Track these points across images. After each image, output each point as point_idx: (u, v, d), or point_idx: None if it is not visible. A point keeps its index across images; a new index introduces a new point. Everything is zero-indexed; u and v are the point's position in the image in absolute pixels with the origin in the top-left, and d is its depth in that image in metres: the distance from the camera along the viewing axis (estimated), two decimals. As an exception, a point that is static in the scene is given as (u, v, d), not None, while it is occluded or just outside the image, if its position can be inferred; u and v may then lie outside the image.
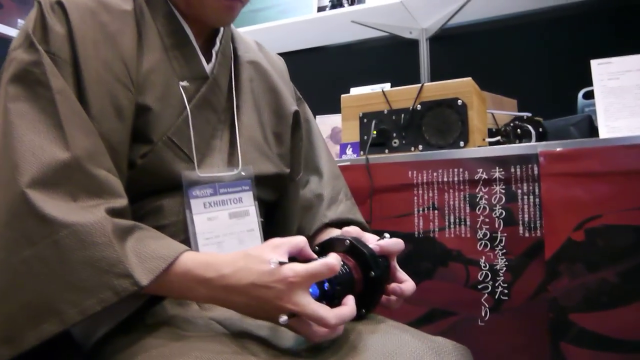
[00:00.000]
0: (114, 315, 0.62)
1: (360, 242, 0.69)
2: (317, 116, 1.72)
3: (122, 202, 0.63)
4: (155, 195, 0.73)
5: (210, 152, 0.79)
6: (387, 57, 2.17)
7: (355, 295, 0.66)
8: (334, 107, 1.65)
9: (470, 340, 1.14)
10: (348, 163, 1.34)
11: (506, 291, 1.13)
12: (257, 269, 0.59)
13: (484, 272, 1.16)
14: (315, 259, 0.61)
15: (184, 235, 0.73)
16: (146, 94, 0.70)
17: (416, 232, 1.26)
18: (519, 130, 1.28)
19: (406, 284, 0.73)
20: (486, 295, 1.16)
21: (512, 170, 1.15)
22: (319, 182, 0.95)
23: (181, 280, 0.60)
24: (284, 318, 0.58)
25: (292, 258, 0.62)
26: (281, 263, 0.59)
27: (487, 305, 1.15)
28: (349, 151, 1.41)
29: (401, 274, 0.74)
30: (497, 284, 1.14)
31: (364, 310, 0.69)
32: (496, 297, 1.14)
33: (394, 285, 0.72)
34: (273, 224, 0.90)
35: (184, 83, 0.75)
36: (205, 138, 0.77)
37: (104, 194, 0.61)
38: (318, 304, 0.58)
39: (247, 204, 0.80)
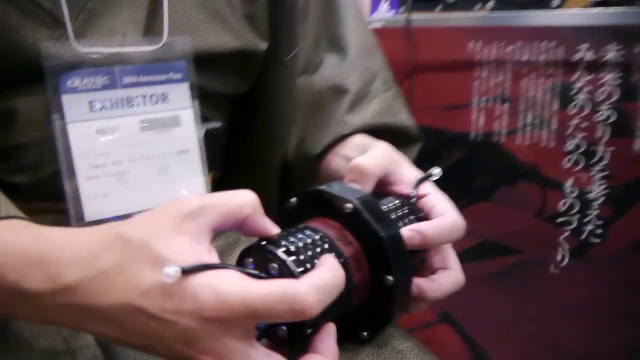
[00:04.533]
0: None
1: (376, 209, 0.36)
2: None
3: None
4: (1, 88, 0.42)
5: (107, 9, 0.44)
6: None
7: (352, 309, 0.35)
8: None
9: (535, 292, 0.84)
10: (381, 24, 1.05)
11: (599, 231, 0.86)
12: (136, 280, 0.29)
13: (570, 200, 0.87)
14: (274, 239, 0.33)
15: (53, 164, 0.41)
16: None
17: (473, 133, 0.94)
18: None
19: (443, 276, 0.40)
20: (568, 233, 0.87)
21: (637, 49, 0.80)
22: (339, 64, 0.59)
23: None
24: None
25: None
26: (187, 271, 0.28)
27: (566, 247, 0.85)
28: (383, 5, 1.06)
29: (443, 256, 0.41)
30: (586, 220, 0.86)
31: (365, 334, 0.37)
32: (583, 237, 0.87)
33: (420, 282, 0.39)
34: (240, 140, 0.58)
35: None
36: None
37: None
38: (266, 353, 0.29)
39: (178, 104, 0.46)
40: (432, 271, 0.41)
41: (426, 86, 0.97)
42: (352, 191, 0.37)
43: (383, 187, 0.45)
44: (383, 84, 0.59)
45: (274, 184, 0.58)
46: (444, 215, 0.41)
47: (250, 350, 0.29)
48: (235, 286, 0.28)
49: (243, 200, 0.32)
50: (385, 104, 0.58)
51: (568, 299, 0.84)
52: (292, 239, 0.33)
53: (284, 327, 0.32)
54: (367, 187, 0.41)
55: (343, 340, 0.38)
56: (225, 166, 0.60)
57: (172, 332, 0.28)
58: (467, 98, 0.94)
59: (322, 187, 0.38)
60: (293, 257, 0.31)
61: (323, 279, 0.29)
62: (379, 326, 0.37)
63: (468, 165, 0.93)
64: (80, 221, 0.42)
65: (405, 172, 0.44)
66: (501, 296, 0.87)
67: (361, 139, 0.55)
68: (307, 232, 0.35)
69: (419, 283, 0.38)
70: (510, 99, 0.90)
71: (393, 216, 0.40)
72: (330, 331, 0.32)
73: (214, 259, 0.30)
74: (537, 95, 0.87)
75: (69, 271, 0.29)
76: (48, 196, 0.42)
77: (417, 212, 0.43)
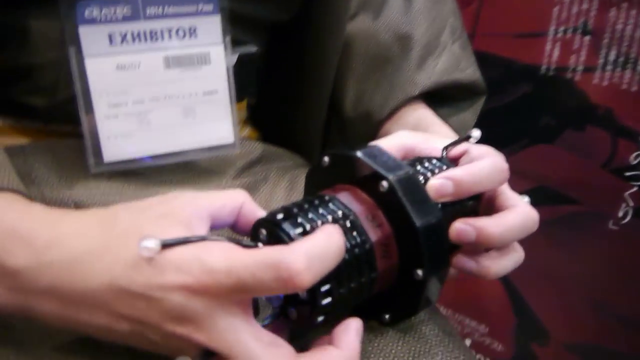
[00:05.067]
0: None
1: (417, 190, 0.31)
2: None
3: None
4: (15, 6, 0.38)
5: None
6: None
7: (374, 295, 0.32)
8: None
9: (588, 247, 0.78)
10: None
11: (673, 190, 0.73)
12: (122, 257, 0.27)
13: (644, 153, 0.74)
14: (291, 213, 0.30)
15: (71, 88, 0.38)
16: None
17: (544, 67, 0.81)
18: None
19: (508, 212, 0.35)
20: (635, 189, 0.75)
21: None
22: (405, 10, 0.51)
23: None
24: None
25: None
26: (167, 245, 0.26)
27: (631, 204, 0.76)
28: None
29: (502, 198, 0.36)
30: (660, 177, 0.73)
31: (387, 317, 0.34)
32: (652, 195, 0.75)
33: (463, 261, 0.35)
34: (284, 73, 0.53)
35: None
36: None
37: None
38: (260, 334, 0.27)
39: (208, 40, 0.41)
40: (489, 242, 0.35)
41: (497, 8, 0.84)
42: (392, 164, 0.32)
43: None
44: (451, 33, 0.51)
45: (316, 129, 0.54)
46: (481, 159, 0.36)
47: (244, 329, 0.26)
48: (220, 255, 0.25)
49: (234, 192, 0.30)
50: (454, 57, 0.51)
51: (624, 258, 0.77)
52: (310, 215, 0.30)
53: (294, 309, 0.30)
54: None
55: (366, 317, 0.35)
56: (265, 93, 0.56)
57: (160, 310, 0.26)
58: (543, 26, 0.82)
59: (360, 152, 0.32)
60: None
61: (315, 245, 0.26)
62: (402, 315, 0.34)
63: (534, 102, 0.83)
64: (99, 161, 0.40)
65: (435, 144, 0.38)
66: (551, 246, 0.82)
67: (423, 113, 0.49)
68: (331, 206, 0.31)
69: (475, 223, 0.33)
70: (593, 32, 0.77)
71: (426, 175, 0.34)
72: (353, 326, 0.28)
73: None
74: (626, 30, 0.75)
75: (57, 249, 0.27)
76: (68, 119, 0.40)
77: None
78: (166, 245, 0.25)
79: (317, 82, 0.52)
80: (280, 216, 0.29)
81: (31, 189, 0.38)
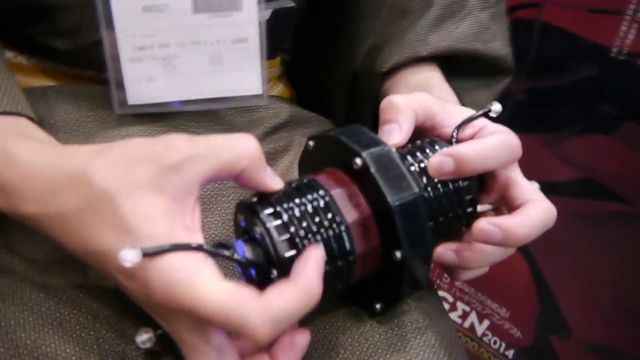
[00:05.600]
0: None
1: (393, 167, 0.29)
2: None
3: None
4: None
5: None
6: None
7: (362, 278, 0.31)
8: None
9: (631, 251, 0.74)
10: None
11: None
12: (95, 238, 0.26)
13: None
14: (269, 200, 0.29)
15: (93, 33, 0.37)
16: None
17: (615, 49, 0.75)
18: None
19: (528, 208, 0.33)
20: None
21: None
22: None
23: None
24: (142, 336, 0.28)
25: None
26: (148, 254, 0.25)
27: None
28: None
29: (518, 189, 0.34)
30: None
31: (378, 306, 0.32)
32: None
33: (502, 221, 0.32)
34: (322, 30, 0.50)
35: None
36: None
37: None
38: (226, 287, 0.25)
39: (240, -16, 0.39)
40: (512, 210, 0.33)
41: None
42: (369, 141, 0.30)
43: (427, 133, 0.37)
44: (483, 0, 0.46)
45: (342, 88, 0.51)
46: (490, 135, 0.33)
47: (201, 341, 0.26)
48: (189, 286, 0.24)
49: (240, 151, 0.27)
50: (479, 25, 0.46)
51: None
52: (287, 204, 0.28)
53: (253, 272, 0.29)
54: (404, 129, 0.33)
55: (360, 308, 0.34)
56: (300, 51, 0.53)
57: (132, 292, 0.26)
58: (622, 3, 0.75)
59: (338, 132, 0.31)
60: (285, 236, 0.27)
61: (284, 308, 0.24)
62: (390, 301, 0.32)
63: (596, 87, 0.77)
64: (123, 104, 0.39)
65: (454, 111, 0.35)
66: (588, 242, 0.78)
67: (430, 75, 0.45)
68: (309, 191, 0.29)
69: (501, 223, 0.31)
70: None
71: (427, 175, 0.32)
72: (312, 256, 0.26)
73: (194, 225, 0.26)
74: None
75: (30, 204, 0.27)
76: (91, 65, 0.40)
77: None
78: (147, 255, 0.24)
79: (353, 42, 0.49)
80: (255, 200, 0.29)
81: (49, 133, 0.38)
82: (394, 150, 0.30)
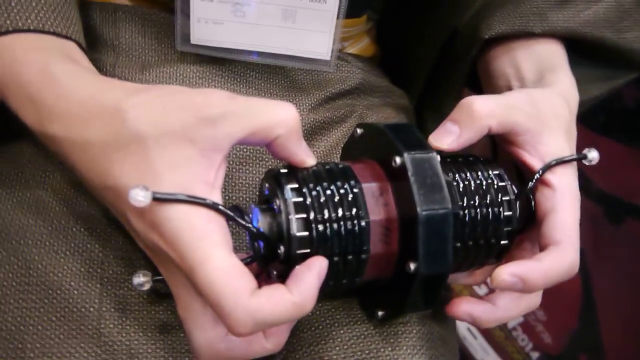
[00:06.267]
0: None
1: (432, 173, 0.28)
2: None
3: None
4: None
5: None
6: None
7: (373, 280, 0.30)
8: None
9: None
10: None
11: None
12: (115, 174, 0.26)
13: None
14: (297, 176, 0.28)
15: None
16: None
17: None
18: None
19: (551, 256, 0.30)
20: None
21: None
22: None
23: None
24: (139, 278, 0.29)
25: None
26: (159, 199, 0.24)
27: None
28: None
29: (555, 225, 0.31)
30: None
31: (380, 314, 0.31)
32: None
33: (520, 266, 0.30)
34: (409, 9, 0.47)
35: None
36: None
37: None
38: (230, 262, 0.25)
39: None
40: (539, 246, 0.31)
41: None
42: (415, 143, 0.28)
43: (507, 147, 0.33)
44: None
45: (432, 51, 0.47)
46: (563, 252, 0.30)
47: (197, 305, 0.26)
48: (194, 246, 0.24)
49: (278, 118, 0.26)
50: (617, 11, 0.39)
51: None
52: (314, 185, 0.27)
53: (274, 271, 0.28)
54: (463, 139, 0.31)
55: (361, 308, 0.34)
56: (392, 7, 0.49)
57: (139, 233, 0.27)
58: None
59: (388, 125, 0.29)
60: (302, 215, 0.26)
61: (271, 316, 0.24)
62: (393, 312, 0.31)
63: None
64: (185, 41, 0.38)
65: (546, 140, 0.32)
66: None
67: (553, 50, 0.39)
68: (340, 178, 0.28)
69: (517, 271, 0.29)
70: None
71: (468, 194, 0.30)
72: (315, 268, 0.26)
73: (217, 183, 0.26)
74: None
75: (56, 125, 0.26)
76: None
77: (523, 203, 0.32)
78: (157, 199, 0.24)
79: (460, 1, 0.43)
80: (283, 171, 0.28)
81: (108, 56, 0.38)
82: (438, 158, 0.28)
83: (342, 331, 0.32)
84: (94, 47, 0.38)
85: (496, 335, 0.91)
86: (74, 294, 0.31)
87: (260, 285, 0.25)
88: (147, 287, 0.29)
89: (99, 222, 0.33)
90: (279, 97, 0.41)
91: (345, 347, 0.32)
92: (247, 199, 0.36)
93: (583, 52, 0.40)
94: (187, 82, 0.38)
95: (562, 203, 0.31)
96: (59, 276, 0.31)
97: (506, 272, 0.29)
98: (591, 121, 0.68)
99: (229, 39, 0.38)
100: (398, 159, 0.27)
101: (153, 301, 0.32)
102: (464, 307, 0.31)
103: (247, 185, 0.37)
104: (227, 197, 0.36)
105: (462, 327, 0.92)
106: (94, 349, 0.30)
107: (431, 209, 0.26)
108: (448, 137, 0.31)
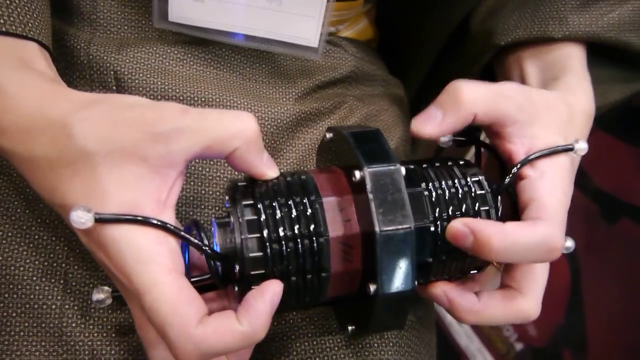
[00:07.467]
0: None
1: (396, 189, 0.26)
2: None
3: None
4: None
5: None
6: None
7: (337, 299, 0.29)
8: None
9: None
10: None
11: None
12: (62, 190, 0.24)
13: None
14: (253, 193, 0.27)
15: None
16: None
17: None
18: None
19: (494, 300, 0.30)
20: None
21: None
22: None
23: None
24: (99, 295, 0.27)
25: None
26: (101, 221, 0.23)
27: None
28: None
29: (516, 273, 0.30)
30: None
31: (350, 329, 0.30)
32: None
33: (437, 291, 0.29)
34: None
35: None
36: None
37: None
38: (178, 288, 0.23)
39: None
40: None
41: None
42: (379, 155, 0.26)
43: (494, 141, 0.31)
44: None
45: (436, 42, 0.44)
46: (534, 223, 0.27)
47: (152, 333, 0.26)
48: (140, 270, 0.22)
49: (234, 130, 0.24)
50: (634, 12, 0.37)
51: None
52: (270, 200, 0.26)
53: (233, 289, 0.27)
54: (446, 124, 0.29)
55: (339, 321, 0.32)
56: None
57: (89, 250, 0.25)
58: None
59: (353, 133, 0.27)
60: (255, 235, 0.25)
61: (219, 346, 0.22)
62: (362, 330, 0.30)
63: None
64: (163, 18, 0.36)
65: (536, 133, 0.29)
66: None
67: (569, 54, 0.36)
68: (300, 192, 0.26)
69: (472, 223, 0.27)
70: None
71: (441, 205, 0.28)
72: (267, 295, 0.24)
73: (169, 201, 0.24)
74: None
75: (3, 138, 0.25)
76: None
77: (505, 204, 0.30)
78: (101, 220, 0.22)
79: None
80: (241, 184, 0.27)
81: (84, 31, 0.36)
82: (403, 171, 0.26)
83: (306, 343, 0.31)
84: (70, 20, 0.36)
85: (482, 325, 0.91)
86: (36, 290, 0.30)
87: (225, 302, 0.24)
88: (107, 303, 0.27)
89: (61, 220, 0.31)
90: (264, 84, 0.39)
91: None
92: (218, 211, 0.35)
93: (605, 53, 0.38)
94: (166, 64, 0.36)
95: (541, 188, 0.28)
96: (20, 270, 0.29)
97: (461, 220, 0.27)
98: (599, 121, 0.65)
99: (210, 19, 0.36)
100: (358, 174, 0.26)
101: (116, 302, 0.30)
102: (441, 287, 0.29)
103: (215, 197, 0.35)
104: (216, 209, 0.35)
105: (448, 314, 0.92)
106: (55, 347, 0.29)
107: (390, 229, 0.25)
108: (430, 123, 0.29)
